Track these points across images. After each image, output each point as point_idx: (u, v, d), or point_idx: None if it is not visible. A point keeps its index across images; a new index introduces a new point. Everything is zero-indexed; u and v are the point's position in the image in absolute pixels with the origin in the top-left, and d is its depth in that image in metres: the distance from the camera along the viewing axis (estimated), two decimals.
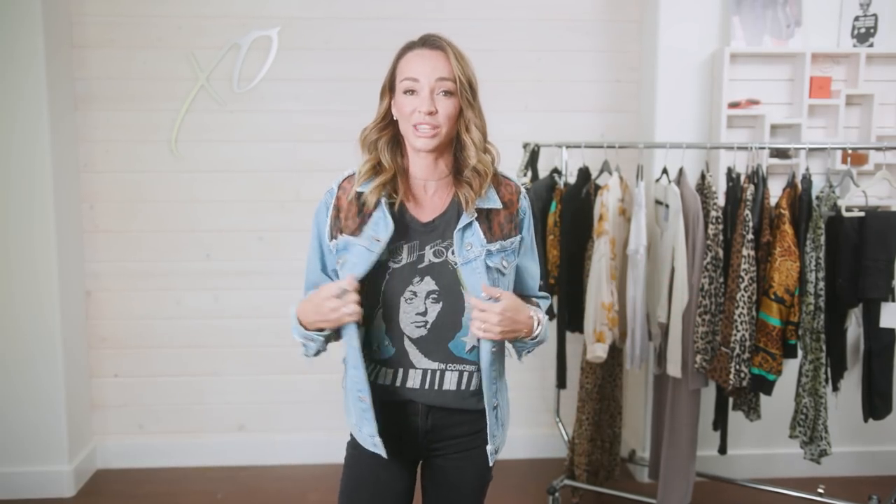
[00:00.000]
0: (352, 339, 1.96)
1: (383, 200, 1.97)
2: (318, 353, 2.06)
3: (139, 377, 4.32)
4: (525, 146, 3.87)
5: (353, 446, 2.12)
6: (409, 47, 1.98)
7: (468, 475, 2.11)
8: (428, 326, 1.97)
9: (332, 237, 2.01)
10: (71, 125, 4.07)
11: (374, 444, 2.02)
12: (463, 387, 2.01)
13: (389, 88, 2.01)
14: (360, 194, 2.00)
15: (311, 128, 4.20)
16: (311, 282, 2.09)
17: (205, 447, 4.36)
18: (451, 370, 2.00)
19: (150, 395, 4.34)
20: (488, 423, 2.03)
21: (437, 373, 2.00)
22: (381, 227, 1.95)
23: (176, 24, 4.09)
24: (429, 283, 1.96)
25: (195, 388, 4.34)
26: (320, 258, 2.07)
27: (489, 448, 2.06)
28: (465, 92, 1.94)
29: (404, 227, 1.98)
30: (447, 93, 1.92)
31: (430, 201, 2.03)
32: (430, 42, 1.96)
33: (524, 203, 2.10)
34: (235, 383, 4.35)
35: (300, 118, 4.20)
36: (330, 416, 4.29)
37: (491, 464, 2.09)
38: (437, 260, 1.97)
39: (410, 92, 1.93)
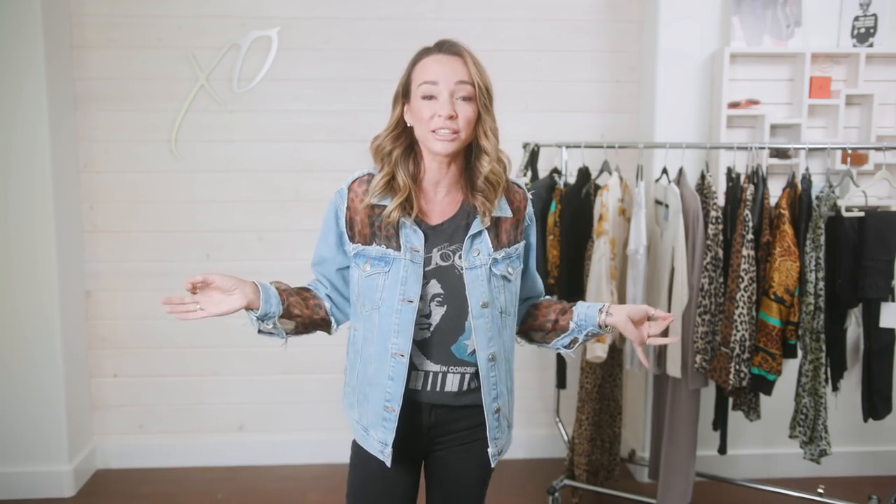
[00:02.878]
0: (402, 349, 1.96)
1: (405, 211, 1.98)
2: (275, 333, 2.02)
3: (139, 377, 4.32)
4: (525, 146, 3.87)
5: (359, 446, 2.13)
6: (426, 52, 1.97)
7: (469, 467, 2.14)
8: (431, 329, 1.99)
9: (351, 240, 2.03)
10: (71, 125, 4.07)
11: (382, 451, 2.03)
12: (464, 388, 2.03)
13: (403, 95, 2.00)
14: (373, 206, 2.00)
15: (311, 128, 4.20)
16: (321, 256, 2.11)
17: (205, 447, 4.36)
18: (453, 373, 2.01)
19: (150, 396, 4.34)
20: (489, 426, 2.04)
21: (439, 375, 2.01)
22: (412, 237, 1.97)
23: (176, 24, 4.09)
24: (434, 286, 1.97)
25: (195, 389, 4.35)
26: (338, 236, 2.07)
27: (490, 450, 2.07)
28: (482, 97, 1.93)
29: (418, 231, 1.99)
30: (466, 98, 1.91)
31: (438, 204, 2.03)
32: (447, 47, 1.95)
33: (530, 209, 2.13)
34: (235, 383, 4.35)
35: (300, 118, 4.20)
36: (330, 416, 4.28)
37: (493, 465, 2.11)
38: (443, 263, 1.98)
39: (429, 97, 1.91)
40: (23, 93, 3.75)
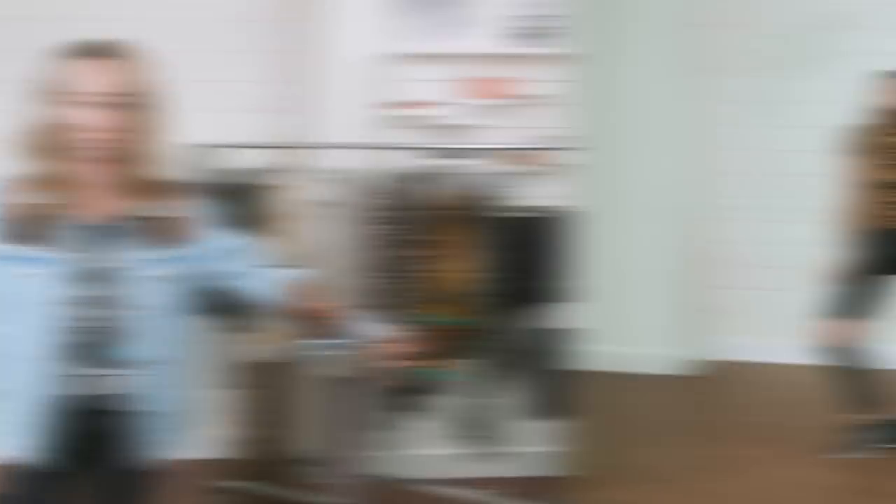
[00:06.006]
0: (50, 353, 1.94)
1: (60, 212, 1.94)
2: None
3: None
4: (190, 148, 3.67)
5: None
6: (74, 54, 1.93)
7: (131, 476, 2.14)
8: (87, 332, 1.95)
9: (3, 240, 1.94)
10: None
11: (34, 457, 1.98)
12: (123, 392, 2.01)
13: (49, 93, 1.94)
14: (31, 204, 1.94)
15: None
16: None
17: None
18: (112, 376, 2.00)
19: None
20: (136, 429, 2.05)
21: (97, 379, 1.98)
22: (69, 237, 1.93)
23: None
24: (88, 288, 1.95)
25: None
26: None
27: (137, 453, 2.08)
28: (134, 100, 1.95)
29: (73, 233, 1.94)
30: (113, 105, 1.90)
31: (98, 204, 1.98)
32: (98, 50, 1.94)
33: (200, 208, 2.13)
34: None
35: None
36: None
37: (144, 468, 2.13)
38: (99, 265, 1.95)
39: (74, 104, 1.89)
40: None
